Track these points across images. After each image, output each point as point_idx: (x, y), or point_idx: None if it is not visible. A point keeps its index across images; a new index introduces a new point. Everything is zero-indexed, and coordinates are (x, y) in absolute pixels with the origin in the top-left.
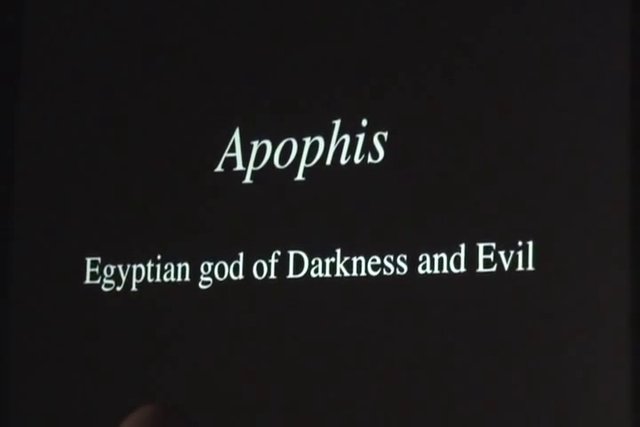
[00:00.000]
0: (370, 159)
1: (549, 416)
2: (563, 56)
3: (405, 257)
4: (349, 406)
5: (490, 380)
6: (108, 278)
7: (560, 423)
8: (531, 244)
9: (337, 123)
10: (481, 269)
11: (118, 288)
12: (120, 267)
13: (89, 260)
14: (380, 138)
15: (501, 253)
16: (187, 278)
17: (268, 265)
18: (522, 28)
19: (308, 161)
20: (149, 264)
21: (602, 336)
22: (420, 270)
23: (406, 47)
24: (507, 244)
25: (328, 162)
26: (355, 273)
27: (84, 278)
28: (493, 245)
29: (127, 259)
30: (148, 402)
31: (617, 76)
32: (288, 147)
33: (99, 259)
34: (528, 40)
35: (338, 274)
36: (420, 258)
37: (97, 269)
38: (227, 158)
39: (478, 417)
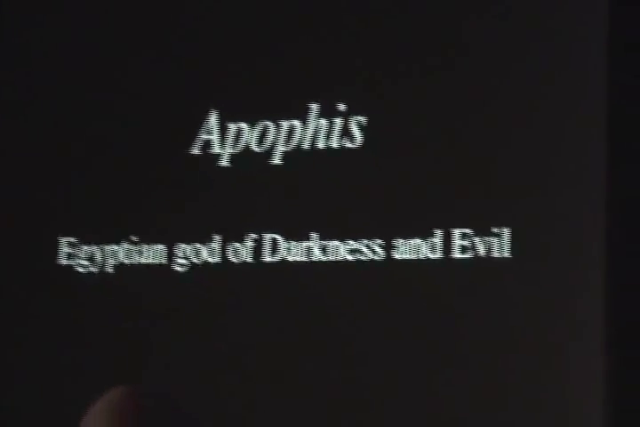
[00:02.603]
0: (347, 144)
1: (522, 402)
2: (543, 50)
3: (382, 242)
4: (323, 390)
5: (464, 365)
6: (83, 259)
7: (534, 409)
8: (507, 230)
9: (315, 107)
10: (457, 255)
11: (94, 269)
12: (96, 248)
13: (64, 240)
14: (358, 123)
15: (477, 240)
16: (163, 261)
17: (245, 248)
18: (501, 18)
19: (285, 145)
20: (125, 246)
21: (577, 323)
22: (397, 256)
23: (386, 32)
24: (483, 230)
25: (305, 146)
26: (331, 257)
27: (60, 259)
28: (470, 231)
29: (103, 240)
30: (119, 385)
31: (595, 69)
32: (265, 130)
33: (74, 240)
34: (506, 30)
35: (314, 258)
36: (397, 243)
37: (72, 250)
38: (203, 141)
39: (451, 402)
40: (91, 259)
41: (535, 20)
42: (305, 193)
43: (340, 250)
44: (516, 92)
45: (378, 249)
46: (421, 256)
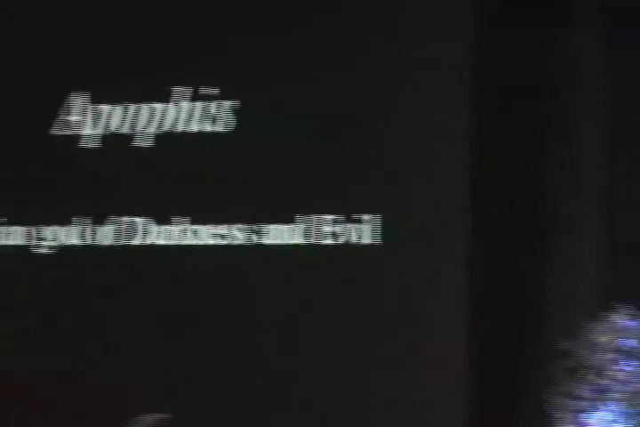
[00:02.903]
0: (218, 128)
1: (382, 385)
2: (410, 49)
3: (250, 227)
4: (179, 367)
5: (333, 348)
6: None
7: (390, 396)
8: (372, 217)
9: (187, 90)
10: (325, 241)
11: None
12: None
13: None
14: (229, 107)
15: (347, 226)
16: (25, 242)
17: (112, 231)
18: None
19: (155, 127)
20: None
21: (440, 307)
22: (265, 241)
23: (261, 19)
24: (352, 217)
25: (175, 129)
26: (199, 241)
27: None
28: (339, 217)
29: None
30: None
31: (460, 70)
32: (133, 112)
33: None
34: (372, 29)
35: (182, 242)
36: (266, 229)
37: None
38: (70, 122)
39: (314, 384)
40: None
41: (399, 20)
42: (175, 177)
43: (208, 234)
44: (385, 84)
45: (245, 234)
46: (290, 242)
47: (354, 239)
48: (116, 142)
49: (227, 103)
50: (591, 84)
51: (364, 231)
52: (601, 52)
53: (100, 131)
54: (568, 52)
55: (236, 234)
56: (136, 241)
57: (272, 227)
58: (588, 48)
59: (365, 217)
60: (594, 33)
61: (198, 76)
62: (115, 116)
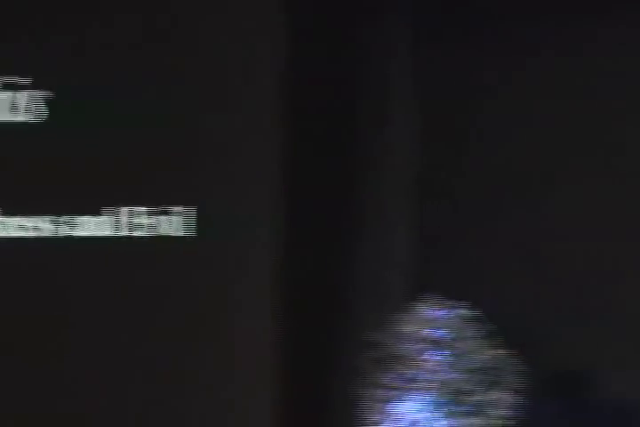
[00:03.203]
0: (31, 118)
1: (188, 382)
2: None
3: (59, 219)
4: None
5: (139, 344)
6: None
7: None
8: (184, 209)
9: None
10: (135, 232)
11: None
12: None
13: None
14: (41, 97)
15: (158, 218)
16: None
17: None
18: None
19: None
20: None
21: (249, 302)
22: (74, 233)
23: (74, 6)
24: (162, 209)
25: None
26: (6, 234)
27: None
28: (150, 209)
29: None
30: None
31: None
32: None
33: None
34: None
35: None
36: (74, 221)
37: None
38: None
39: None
40: None
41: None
42: None
43: (14, 226)
44: (197, 76)
45: (54, 226)
46: (99, 233)
47: (165, 231)
48: None
49: (38, 94)
50: (403, 72)
51: (176, 223)
52: (412, 41)
53: None
54: (379, 40)
55: (44, 226)
56: None
57: (81, 219)
58: (399, 36)
59: (177, 209)
60: (405, 20)
61: (8, 66)
62: None
